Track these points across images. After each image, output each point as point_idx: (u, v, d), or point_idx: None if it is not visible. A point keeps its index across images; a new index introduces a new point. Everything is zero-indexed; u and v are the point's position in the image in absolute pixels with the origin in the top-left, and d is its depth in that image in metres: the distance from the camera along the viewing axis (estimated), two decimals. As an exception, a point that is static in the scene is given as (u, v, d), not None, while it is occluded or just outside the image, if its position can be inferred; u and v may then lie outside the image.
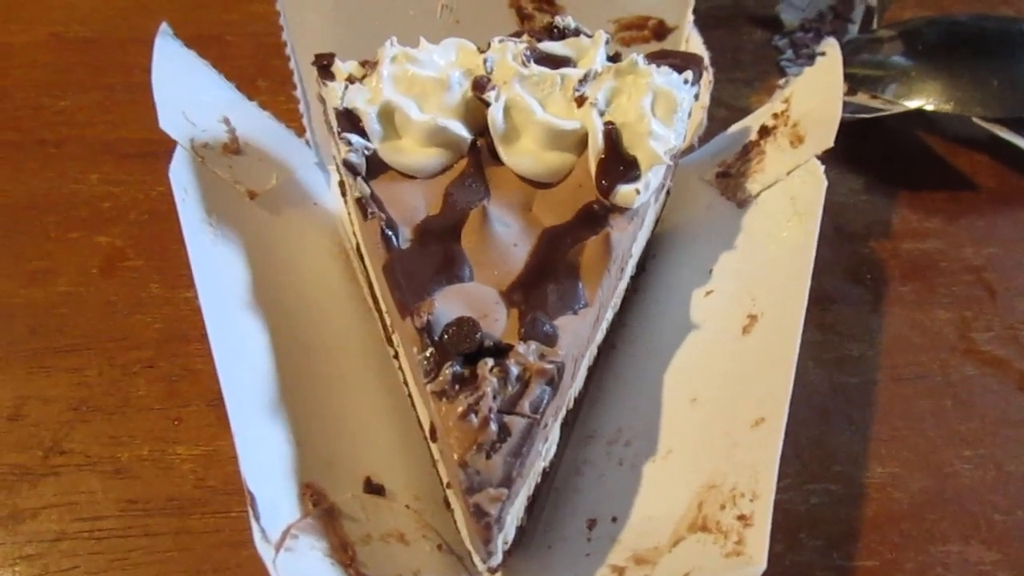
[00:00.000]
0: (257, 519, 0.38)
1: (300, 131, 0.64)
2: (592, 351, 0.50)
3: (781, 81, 0.65)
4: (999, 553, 0.48)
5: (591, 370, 0.52)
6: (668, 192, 0.58)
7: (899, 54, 0.70)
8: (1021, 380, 0.56)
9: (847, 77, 0.58)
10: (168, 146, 0.52)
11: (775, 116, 0.60)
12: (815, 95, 0.59)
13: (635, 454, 0.49)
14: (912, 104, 0.66)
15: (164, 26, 0.58)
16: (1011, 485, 0.51)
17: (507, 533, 0.42)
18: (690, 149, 0.63)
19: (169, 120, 0.53)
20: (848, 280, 0.61)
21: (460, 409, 0.39)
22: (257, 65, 0.73)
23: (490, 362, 0.40)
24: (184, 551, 0.47)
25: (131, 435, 0.52)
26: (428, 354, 0.41)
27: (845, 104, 0.57)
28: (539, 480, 0.46)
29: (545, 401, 0.41)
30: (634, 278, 0.57)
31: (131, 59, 0.74)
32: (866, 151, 0.68)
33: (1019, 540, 0.49)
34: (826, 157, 0.54)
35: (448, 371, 0.40)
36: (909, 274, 0.61)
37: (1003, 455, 0.52)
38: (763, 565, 0.38)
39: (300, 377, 0.48)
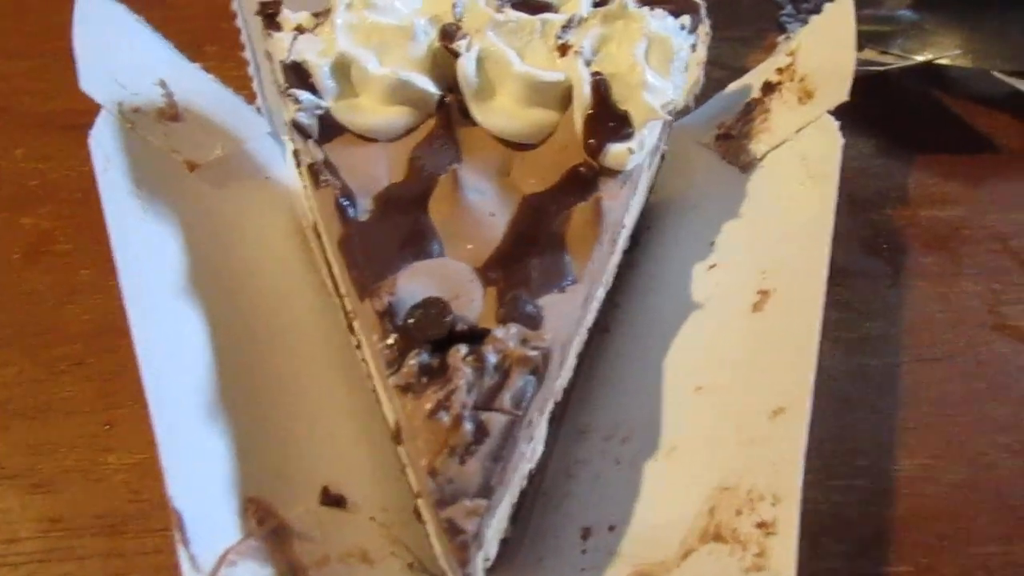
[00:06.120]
0: (185, 544, 0.33)
1: (251, 98, 0.58)
2: (582, 335, 0.45)
3: (781, 38, 0.60)
4: (1047, 554, 0.43)
5: (581, 357, 0.46)
6: (663, 156, 0.53)
7: (909, 7, 0.65)
8: (1060, 358, 0.51)
9: (852, 33, 0.53)
10: (103, 117, 0.47)
11: (779, 71, 0.55)
12: (824, 46, 0.54)
13: (634, 452, 0.44)
14: (926, 57, 0.61)
15: (90, -26, 0.51)
16: (1056, 475, 0.46)
17: (487, 550, 0.36)
18: (685, 111, 0.57)
19: (92, 81, 0.47)
20: (863, 252, 0.56)
21: (428, 406, 0.35)
22: (205, 28, 0.66)
23: (463, 350, 0.36)
24: (116, 576, 0.41)
25: (55, 443, 0.46)
26: (390, 342, 0.37)
27: (853, 59, 0.51)
28: (525, 484, 0.41)
29: (529, 394, 0.36)
30: (627, 252, 0.51)
31: (69, 23, 0.67)
32: (877, 112, 0.63)
33: (1069, 538, 0.44)
34: (836, 117, 0.49)
35: (414, 361, 0.36)
36: (930, 244, 0.56)
37: (1045, 441, 0.47)
38: (792, 582, 0.33)
39: (245, 374, 0.43)
